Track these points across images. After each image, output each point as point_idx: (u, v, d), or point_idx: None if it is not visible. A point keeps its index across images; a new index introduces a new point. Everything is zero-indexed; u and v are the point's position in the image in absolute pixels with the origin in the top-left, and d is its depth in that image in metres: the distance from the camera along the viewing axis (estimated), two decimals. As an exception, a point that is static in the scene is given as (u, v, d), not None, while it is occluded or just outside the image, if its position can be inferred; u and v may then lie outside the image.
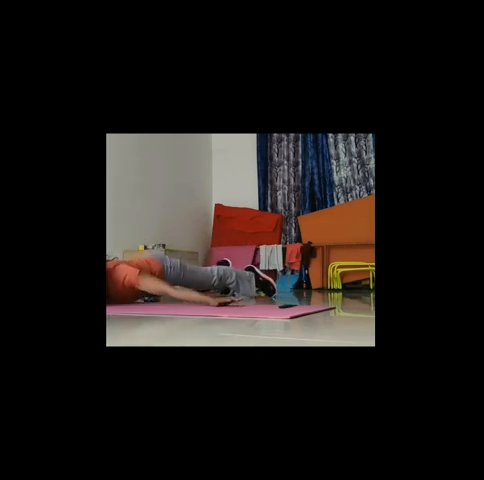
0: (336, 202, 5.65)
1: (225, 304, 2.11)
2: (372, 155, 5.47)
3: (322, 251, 4.92)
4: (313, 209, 5.72)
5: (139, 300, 2.62)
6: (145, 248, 4.66)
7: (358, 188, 5.57)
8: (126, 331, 1.46)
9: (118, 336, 1.31)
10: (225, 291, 2.84)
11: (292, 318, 1.69)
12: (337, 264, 4.77)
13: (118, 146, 4.49)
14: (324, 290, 4.72)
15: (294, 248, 5.10)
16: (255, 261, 5.20)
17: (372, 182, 5.46)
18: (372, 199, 4.57)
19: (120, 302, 2.37)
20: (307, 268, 5.14)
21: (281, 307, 2.11)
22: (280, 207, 6.13)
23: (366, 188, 5.51)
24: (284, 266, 5.22)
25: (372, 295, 3.67)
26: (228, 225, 5.80)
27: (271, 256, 5.21)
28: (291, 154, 6.09)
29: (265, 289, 3.03)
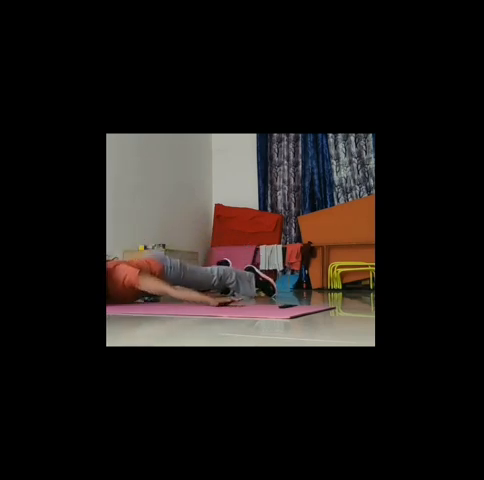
0: (336, 202, 5.65)
1: (225, 304, 2.11)
2: (372, 155, 5.47)
3: (322, 251, 4.92)
4: (313, 209, 5.72)
5: (139, 300, 2.62)
6: (145, 248, 4.66)
7: (358, 188, 5.57)
8: (126, 331, 1.46)
9: (118, 336, 1.31)
10: (225, 291, 2.84)
11: (292, 318, 1.69)
12: (337, 264, 4.77)
13: (118, 146, 4.49)
14: (324, 290, 4.72)
15: (294, 248, 5.10)
16: (255, 261, 5.20)
17: (372, 182, 5.46)
18: (372, 199, 4.57)
19: (120, 302, 2.37)
20: (307, 268, 5.14)
21: (281, 307, 2.11)
22: (280, 207, 6.13)
23: (366, 188, 5.51)
24: (284, 266, 5.22)
25: (372, 295, 3.67)
26: (228, 225, 5.80)
27: (271, 256, 5.21)
28: (291, 154, 6.09)
29: (265, 289, 3.03)
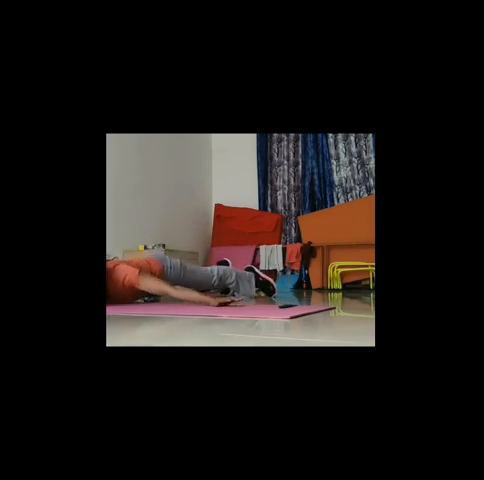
0: (336, 202, 5.65)
1: (225, 304, 2.11)
2: (372, 155, 5.47)
3: (322, 251, 4.92)
4: (313, 209, 5.72)
5: (139, 300, 2.62)
6: (145, 248, 4.66)
7: (358, 188, 5.57)
8: (126, 331, 1.46)
9: (118, 336, 1.31)
10: (225, 291, 2.84)
11: (292, 318, 1.69)
12: (337, 264, 4.77)
13: (118, 146, 4.49)
14: (324, 290, 4.72)
15: (294, 248, 5.10)
16: (255, 261, 5.20)
17: (372, 182, 5.46)
18: (372, 199, 4.57)
19: (120, 302, 2.37)
20: (307, 268, 5.14)
21: (281, 307, 2.11)
22: (280, 207, 6.13)
23: (366, 188, 5.51)
24: (284, 266, 5.22)
25: (372, 295, 3.67)
26: (228, 225, 5.80)
27: (271, 256, 5.20)
28: (291, 154, 6.09)
29: (265, 289, 3.03)
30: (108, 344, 0.93)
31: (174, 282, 2.40)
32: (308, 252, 4.97)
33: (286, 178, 6.11)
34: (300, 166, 5.99)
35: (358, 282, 4.81)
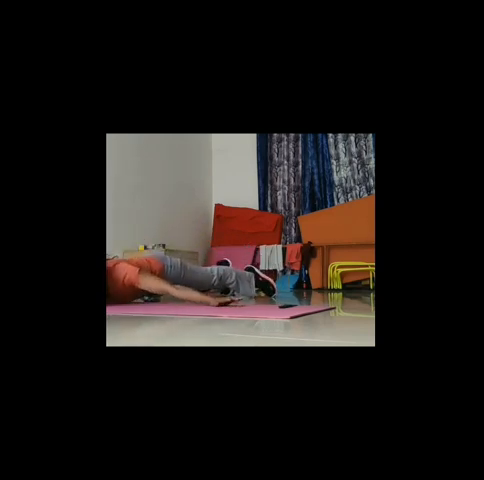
0: (336, 202, 5.65)
1: (225, 304, 2.11)
2: (372, 155, 5.47)
3: (322, 251, 4.92)
4: (313, 209, 5.72)
5: (139, 300, 2.62)
6: (145, 248, 4.66)
7: (358, 188, 5.57)
8: (126, 331, 1.46)
9: (118, 336, 1.31)
10: (225, 291, 2.84)
11: (292, 318, 1.69)
12: (337, 264, 4.77)
13: (118, 146, 4.49)
14: (324, 290, 4.72)
15: (294, 248, 5.10)
16: (255, 261, 5.20)
17: (372, 182, 5.46)
18: (372, 199, 4.57)
19: (120, 301, 2.37)
20: (307, 268, 5.14)
21: (281, 307, 2.11)
22: (280, 207, 6.13)
23: (366, 188, 5.51)
24: (284, 266, 5.22)
25: (372, 295, 3.67)
26: (228, 225, 5.79)
27: (271, 256, 5.20)
28: (291, 154, 6.09)
29: (265, 289, 3.02)
30: (108, 344, 0.93)
31: (174, 281, 2.40)
32: (308, 252, 4.97)
33: (286, 178, 6.10)
34: (300, 166, 5.99)
35: (358, 282, 4.81)
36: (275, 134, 6.17)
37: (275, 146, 6.19)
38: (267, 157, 6.21)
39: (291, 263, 5.11)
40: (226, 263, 3.10)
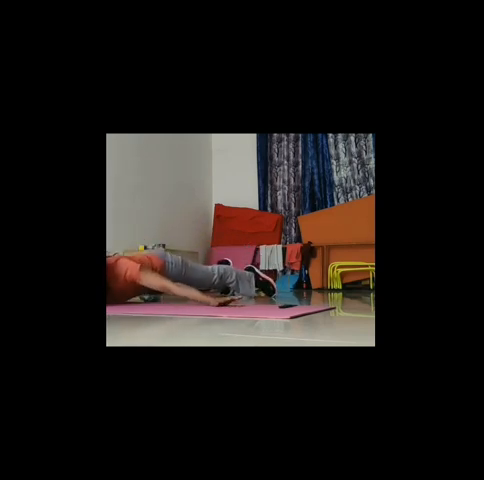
0: (336, 202, 5.65)
1: (225, 304, 2.11)
2: (372, 155, 5.47)
3: (322, 251, 4.92)
4: (313, 209, 5.72)
5: (139, 300, 2.62)
6: (145, 248, 4.65)
7: (358, 188, 5.57)
8: (126, 331, 1.46)
9: (118, 336, 1.31)
10: (225, 291, 2.84)
11: (292, 318, 1.69)
12: (337, 264, 4.77)
13: (118, 146, 4.49)
14: (324, 290, 4.72)
15: (294, 248, 5.10)
16: (255, 261, 5.20)
17: (372, 182, 5.46)
18: (372, 199, 4.57)
19: (121, 297, 2.37)
20: (307, 268, 5.14)
21: (281, 307, 2.11)
22: (280, 207, 6.13)
23: (366, 188, 5.51)
24: (284, 266, 5.22)
25: (372, 295, 3.67)
26: (228, 225, 5.79)
27: (271, 256, 5.20)
28: (291, 154, 6.08)
29: (265, 289, 3.02)
30: (108, 344, 0.93)
31: (175, 279, 2.40)
32: (308, 252, 4.97)
33: (286, 178, 6.10)
34: (300, 166, 5.99)
35: (358, 282, 4.81)
36: (275, 134, 6.17)
37: (275, 146, 6.19)
38: (267, 157, 6.21)
39: (291, 263, 5.11)
40: (227, 263, 3.10)
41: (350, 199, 5.58)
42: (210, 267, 2.78)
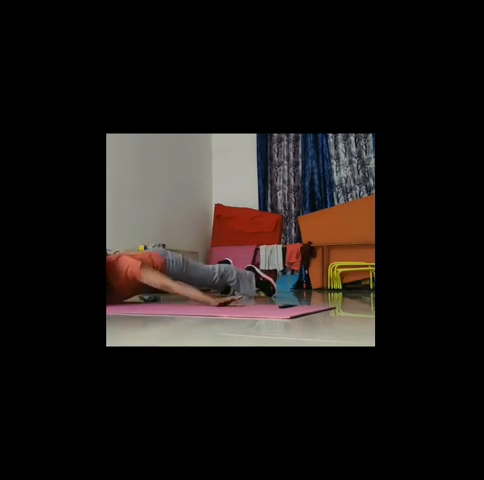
0: (336, 202, 5.65)
1: (225, 304, 2.11)
2: (372, 155, 5.47)
3: (322, 251, 4.92)
4: (313, 209, 5.72)
5: (139, 300, 2.62)
6: (145, 248, 4.65)
7: (358, 188, 5.57)
8: (126, 331, 1.46)
9: (118, 336, 1.31)
10: (225, 291, 2.83)
11: (292, 318, 1.69)
12: (337, 264, 4.76)
13: (118, 146, 4.49)
14: (324, 290, 4.72)
15: (294, 248, 5.10)
16: (255, 261, 5.20)
17: (372, 182, 5.46)
18: (372, 199, 4.56)
19: (122, 296, 2.37)
20: (307, 268, 5.14)
21: (281, 307, 2.11)
22: (280, 207, 6.13)
23: (366, 188, 5.51)
24: (284, 266, 5.22)
25: (372, 295, 3.67)
26: (228, 225, 5.79)
27: (271, 256, 5.20)
28: (291, 154, 6.09)
29: (265, 289, 3.02)
30: (108, 344, 0.93)
31: (176, 277, 2.39)
32: (308, 252, 4.97)
33: (286, 178, 6.10)
34: (300, 166, 5.99)
35: (358, 282, 4.81)
36: (275, 134, 6.17)
37: (275, 146, 6.19)
38: (267, 157, 6.21)
39: (291, 263, 5.11)
40: (227, 263, 3.10)
41: (350, 199, 5.57)
42: (211, 266, 2.78)
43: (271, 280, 3.07)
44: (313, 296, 3.69)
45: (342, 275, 4.75)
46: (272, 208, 6.15)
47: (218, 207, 5.95)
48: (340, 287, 4.72)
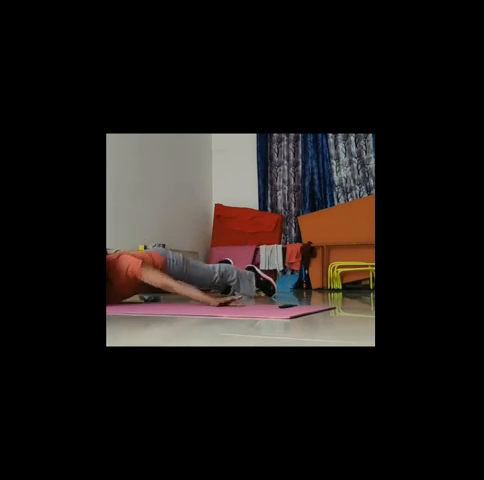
0: (336, 202, 5.65)
1: (225, 304, 2.11)
2: (372, 155, 5.47)
3: (322, 251, 4.92)
4: (313, 209, 5.72)
5: (139, 300, 2.62)
6: (145, 248, 4.65)
7: (358, 188, 5.57)
8: (126, 331, 1.46)
9: (118, 336, 1.31)
10: (226, 291, 2.84)
11: (292, 318, 1.69)
12: (337, 264, 4.77)
13: (118, 146, 4.49)
14: (324, 290, 4.72)
15: (294, 248, 5.10)
16: (255, 261, 5.20)
17: (372, 182, 5.46)
18: (372, 199, 4.56)
19: (123, 295, 2.37)
20: (307, 268, 5.14)
21: (281, 307, 2.11)
22: (280, 207, 6.13)
23: (366, 188, 5.51)
24: (284, 266, 5.22)
25: (372, 295, 3.67)
26: (228, 225, 5.79)
27: (271, 256, 5.20)
28: (291, 154, 6.09)
29: (265, 289, 3.02)
30: (108, 344, 0.93)
31: (176, 276, 2.39)
32: (308, 252, 4.97)
33: (286, 178, 6.10)
34: (300, 166, 5.99)
35: (358, 282, 4.81)
36: (275, 134, 6.17)
37: (275, 146, 6.19)
38: (267, 157, 6.21)
39: (291, 263, 5.11)
40: (228, 263, 3.10)
41: (350, 199, 5.58)
42: (211, 265, 2.78)
43: (271, 280, 3.07)
44: (313, 296, 3.69)
45: (342, 275, 4.75)
46: (272, 208, 6.15)
47: (218, 207, 5.95)
48: (340, 287, 4.72)
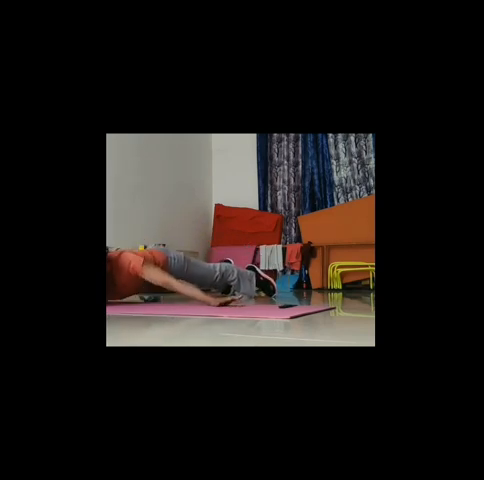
0: (336, 202, 5.65)
1: (226, 304, 2.11)
2: (372, 155, 5.47)
3: (322, 251, 4.92)
4: (313, 209, 5.72)
5: (139, 300, 2.62)
6: (145, 248, 4.65)
7: (358, 188, 5.57)
8: (126, 331, 1.46)
9: (118, 336, 1.31)
10: (226, 291, 2.84)
11: (292, 318, 1.69)
12: (337, 264, 4.76)
13: (118, 146, 4.49)
14: (324, 290, 4.72)
15: (294, 248, 5.10)
16: (255, 261, 5.19)
17: (372, 182, 5.46)
18: (372, 199, 4.56)
19: (124, 292, 2.37)
20: (307, 268, 5.13)
21: (281, 307, 2.11)
22: (280, 207, 6.13)
23: (366, 188, 5.51)
24: (284, 266, 5.21)
25: (372, 295, 3.67)
26: (228, 225, 5.79)
27: (271, 256, 5.20)
28: (291, 154, 6.08)
29: (265, 289, 3.02)
30: (108, 344, 0.93)
31: (177, 275, 2.39)
32: (308, 252, 4.97)
33: (286, 178, 6.10)
34: (300, 166, 5.99)
35: (358, 282, 4.81)
36: (275, 134, 6.17)
37: (275, 146, 6.19)
38: (267, 157, 6.21)
39: (291, 263, 5.11)
40: (228, 262, 3.10)
41: (350, 199, 5.57)
42: (212, 264, 2.79)
43: (271, 280, 3.07)
44: (313, 296, 3.69)
45: (342, 275, 4.75)
46: (272, 208, 6.15)
47: (218, 207, 5.95)
48: (340, 287, 4.72)
